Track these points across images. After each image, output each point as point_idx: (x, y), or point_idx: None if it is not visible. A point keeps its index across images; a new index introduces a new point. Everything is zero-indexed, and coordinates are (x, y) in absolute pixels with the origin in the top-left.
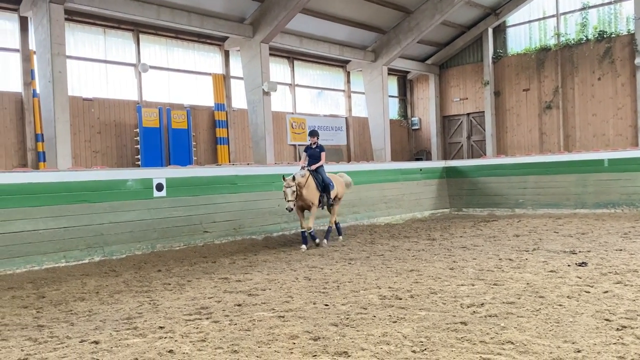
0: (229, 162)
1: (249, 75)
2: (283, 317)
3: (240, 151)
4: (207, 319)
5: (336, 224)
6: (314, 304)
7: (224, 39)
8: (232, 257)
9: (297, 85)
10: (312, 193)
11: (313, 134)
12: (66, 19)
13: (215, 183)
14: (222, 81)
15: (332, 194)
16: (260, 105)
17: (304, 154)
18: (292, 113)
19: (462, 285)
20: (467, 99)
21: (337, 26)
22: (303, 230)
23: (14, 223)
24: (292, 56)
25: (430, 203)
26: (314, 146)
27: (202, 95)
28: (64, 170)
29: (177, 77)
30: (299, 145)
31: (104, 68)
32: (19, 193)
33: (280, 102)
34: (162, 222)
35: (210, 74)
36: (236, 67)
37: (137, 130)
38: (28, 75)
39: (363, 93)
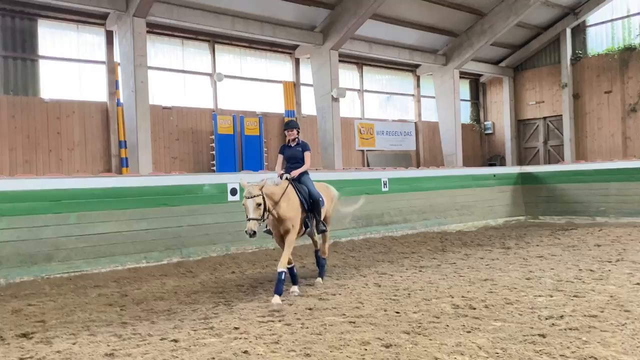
0: None
1: (319, 82)
2: (354, 322)
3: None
4: (280, 321)
5: (323, 258)
6: (385, 311)
7: (295, 47)
8: (302, 261)
9: (366, 91)
10: (292, 211)
11: (291, 125)
12: (147, 32)
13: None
14: (293, 88)
15: (322, 214)
16: (329, 112)
17: (279, 157)
18: (361, 118)
19: (539, 296)
20: (543, 102)
21: (406, 30)
22: (281, 270)
23: (100, 225)
24: (361, 62)
25: (504, 210)
26: (293, 144)
27: (273, 102)
28: (145, 176)
29: (249, 85)
30: (367, 150)
31: (182, 78)
32: (104, 197)
33: (349, 108)
34: (235, 225)
35: (281, 81)
36: (306, 74)
37: (213, 137)
38: (113, 85)
39: (433, 97)
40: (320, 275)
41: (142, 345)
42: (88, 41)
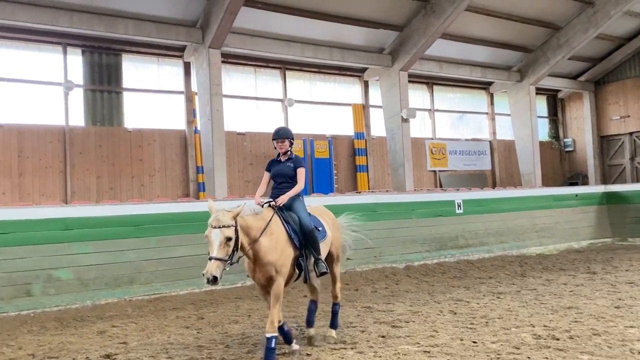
0: (369, 189)
1: (388, 103)
2: (429, 352)
3: (380, 178)
4: (352, 349)
5: (335, 304)
6: (461, 340)
7: (364, 69)
8: (374, 286)
9: (437, 110)
10: (275, 252)
11: (281, 134)
12: (222, 62)
13: (356, 210)
14: (362, 110)
15: (324, 250)
16: (399, 132)
17: (265, 175)
18: (432, 138)
19: (631, 327)
20: (628, 116)
21: (478, 48)
22: (270, 336)
23: (178, 249)
24: (431, 81)
25: (588, 232)
26: (283, 158)
27: (343, 125)
28: (220, 200)
29: (319, 108)
30: (439, 171)
31: (255, 104)
32: (182, 221)
33: (419, 128)
34: None
35: (350, 104)
36: (375, 96)
37: None
38: (190, 114)
39: (508, 115)
40: (333, 325)
41: None
42: (167, 73)
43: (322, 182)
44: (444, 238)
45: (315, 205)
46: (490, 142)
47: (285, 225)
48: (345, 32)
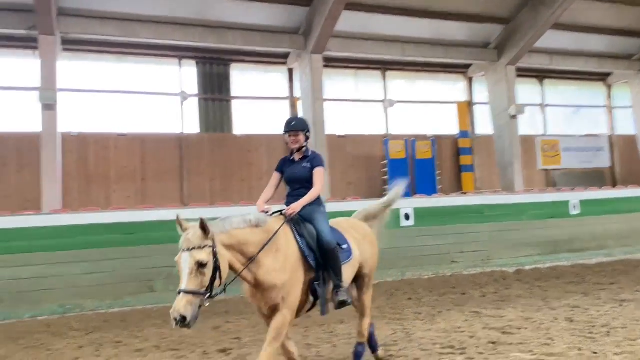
0: (474, 190)
1: (495, 99)
2: None
3: (486, 178)
4: (461, 354)
5: (360, 344)
6: (580, 350)
7: (468, 66)
8: (482, 290)
9: (548, 105)
10: (282, 273)
11: (295, 126)
12: (323, 66)
13: (461, 212)
14: (466, 108)
15: (348, 273)
16: (506, 130)
17: (274, 177)
18: (543, 135)
19: None
20: None
21: (593, 37)
22: None
23: None
24: (541, 75)
25: None
26: (298, 157)
27: (446, 124)
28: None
29: (421, 108)
30: (551, 169)
31: (355, 106)
32: None
33: (529, 125)
34: (410, 251)
35: (453, 102)
36: (480, 92)
37: (385, 162)
38: None
39: (630, 107)
40: (373, 349)
41: None
42: (272, 80)
43: (424, 183)
44: (558, 241)
45: (344, 217)
46: (609, 137)
47: (299, 240)
48: (447, 29)
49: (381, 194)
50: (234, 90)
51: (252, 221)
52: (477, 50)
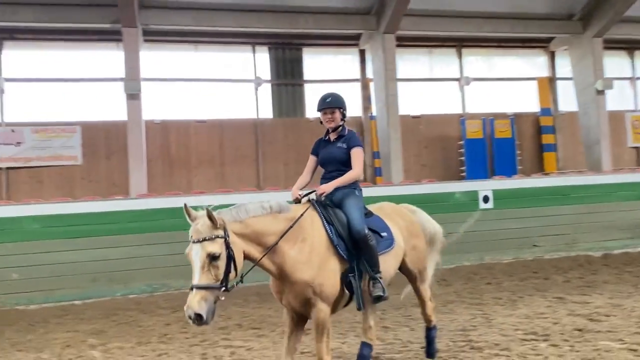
0: (557, 170)
1: (579, 74)
2: (635, 350)
3: (570, 158)
4: (545, 341)
5: (429, 329)
6: None
7: (549, 39)
8: (566, 275)
9: (639, 79)
10: (312, 263)
11: (330, 102)
12: (396, 46)
13: (543, 194)
14: (548, 84)
15: (389, 263)
16: (592, 106)
17: (310, 160)
18: (634, 111)
19: None
20: None
21: None
22: None
23: None
24: (631, 46)
25: None
26: (333, 136)
27: (526, 101)
28: (397, 185)
29: (499, 85)
30: None
31: (429, 85)
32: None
33: (618, 100)
34: (489, 234)
35: (534, 78)
36: (563, 67)
37: (461, 142)
38: (366, 100)
39: None
40: (430, 355)
41: (403, 352)
42: (343, 62)
43: (503, 164)
44: None
45: (389, 202)
46: None
47: (327, 228)
48: (527, 1)
49: (458, 176)
50: (306, 74)
51: (272, 208)
52: (560, 22)
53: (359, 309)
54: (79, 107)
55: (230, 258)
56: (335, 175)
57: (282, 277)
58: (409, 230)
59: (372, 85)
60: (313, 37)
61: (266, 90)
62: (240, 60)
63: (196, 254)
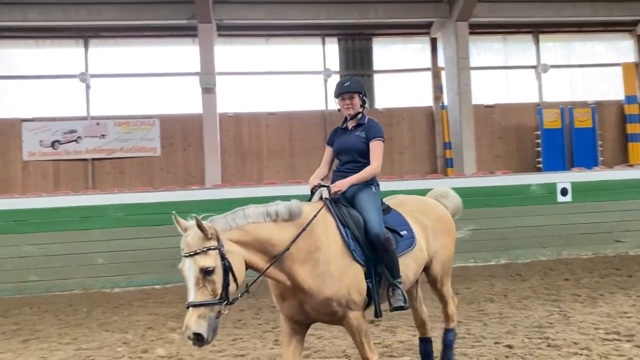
0: None
1: None
2: None
3: None
4: (629, 341)
5: (448, 330)
6: None
7: (635, 23)
8: None
9: None
10: (333, 277)
11: (348, 87)
12: (469, 33)
13: (627, 187)
14: (634, 70)
15: (409, 266)
16: None
17: (327, 151)
18: None
19: None
20: None
21: None
22: None
23: None
24: None
25: None
26: (352, 124)
27: (609, 88)
28: (470, 177)
29: (579, 72)
30: None
31: (504, 74)
32: None
33: None
34: (567, 229)
35: (618, 64)
36: None
37: (538, 132)
38: (437, 90)
39: None
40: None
41: (476, 347)
42: (413, 51)
43: (583, 155)
44: None
45: (413, 195)
46: None
47: (343, 231)
48: None
49: (534, 167)
50: (376, 64)
51: (279, 214)
52: None
53: (376, 316)
54: (157, 100)
55: (227, 270)
56: (350, 167)
57: (297, 289)
58: (436, 228)
59: (443, 74)
60: (383, 27)
61: (335, 82)
62: (310, 52)
63: (189, 269)
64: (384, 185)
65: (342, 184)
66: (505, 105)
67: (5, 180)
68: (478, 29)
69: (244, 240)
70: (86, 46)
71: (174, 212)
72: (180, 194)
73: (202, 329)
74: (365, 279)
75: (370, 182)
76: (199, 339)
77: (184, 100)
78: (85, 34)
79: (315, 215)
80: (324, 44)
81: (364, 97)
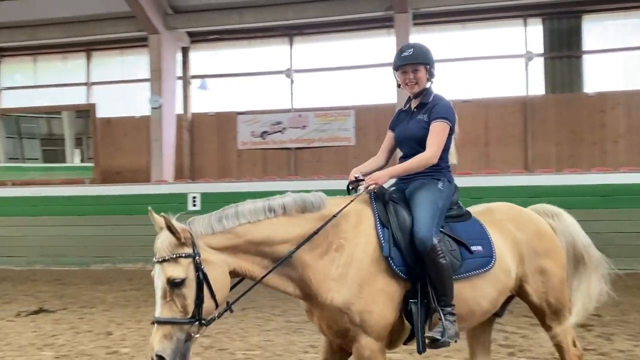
0: None
1: None
2: None
3: None
4: None
5: None
6: None
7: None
8: None
9: None
10: (346, 281)
11: (411, 56)
12: None
13: None
14: None
15: (485, 293)
16: None
17: (388, 136)
18: None
19: None
20: None
21: None
22: None
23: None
24: None
25: None
26: (415, 104)
27: None
28: None
29: None
30: None
31: None
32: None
33: None
34: None
35: None
36: None
37: None
38: None
39: None
40: None
41: None
42: (633, 27)
43: None
44: None
45: (506, 202)
46: None
47: (380, 231)
48: None
49: None
50: (587, 44)
51: (286, 206)
52: None
53: (419, 351)
54: (353, 92)
55: (202, 284)
56: (411, 155)
57: (305, 296)
58: (532, 246)
59: None
60: (597, 2)
61: (536, 65)
62: (508, 35)
63: (157, 278)
64: (595, 179)
65: (379, 176)
66: None
67: (224, 166)
68: None
69: (231, 244)
70: (291, 43)
71: (149, 207)
72: None
73: (166, 350)
74: (409, 299)
75: (439, 177)
76: None
77: (378, 91)
78: (290, 32)
79: (343, 208)
80: (525, 25)
81: (432, 70)
